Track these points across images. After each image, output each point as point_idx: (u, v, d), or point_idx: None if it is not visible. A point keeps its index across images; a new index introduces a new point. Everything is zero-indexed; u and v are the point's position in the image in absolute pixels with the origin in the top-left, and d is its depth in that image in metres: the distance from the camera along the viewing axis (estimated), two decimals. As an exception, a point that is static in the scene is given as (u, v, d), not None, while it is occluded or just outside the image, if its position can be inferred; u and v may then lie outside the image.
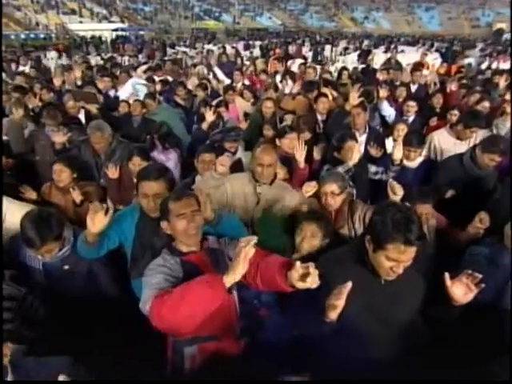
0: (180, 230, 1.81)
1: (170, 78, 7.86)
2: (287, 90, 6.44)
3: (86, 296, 2.39)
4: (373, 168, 3.38)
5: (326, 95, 4.97)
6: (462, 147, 3.76)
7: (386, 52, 15.67)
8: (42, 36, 32.71)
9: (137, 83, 6.09)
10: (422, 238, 1.61)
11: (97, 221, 1.99)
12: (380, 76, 6.96)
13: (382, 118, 5.00)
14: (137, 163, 3.29)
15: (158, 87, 6.15)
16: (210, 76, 8.17)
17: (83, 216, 2.19)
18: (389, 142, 4.40)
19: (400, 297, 1.78)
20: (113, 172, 3.40)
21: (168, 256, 1.86)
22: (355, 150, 3.04)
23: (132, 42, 26.45)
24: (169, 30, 37.77)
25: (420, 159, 3.54)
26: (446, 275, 1.70)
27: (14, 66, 9.27)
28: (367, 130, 4.05)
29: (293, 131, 3.60)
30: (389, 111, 4.94)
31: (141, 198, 2.22)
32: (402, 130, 4.17)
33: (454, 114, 4.73)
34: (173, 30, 37.71)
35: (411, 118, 4.96)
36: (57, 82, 5.87)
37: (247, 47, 21.26)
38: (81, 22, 38.06)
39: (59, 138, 3.64)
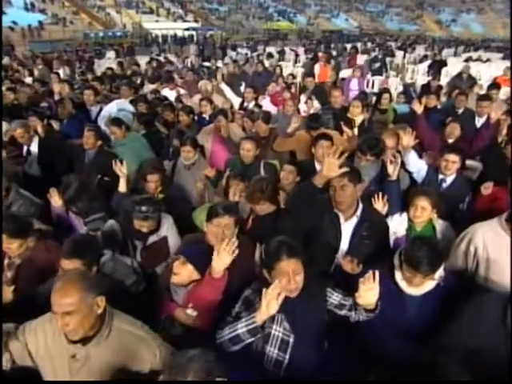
0: None
1: (182, 91, 6.86)
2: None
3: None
4: (336, 297, 1.95)
5: (328, 137, 3.58)
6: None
7: (467, 61, 13.29)
8: (118, 34, 34.03)
9: (123, 109, 5.03)
10: None
11: None
12: (416, 107, 4.29)
13: (409, 173, 3.47)
14: None
15: (144, 108, 5.05)
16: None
17: None
18: (403, 220, 2.92)
19: None
20: None
21: None
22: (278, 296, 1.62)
23: (199, 42, 26.17)
24: (240, 30, 37.33)
25: (432, 284, 2.05)
26: None
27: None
28: (358, 213, 2.47)
29: (226, 214, 2.24)
30: (418, 166, 3.38)
31: None
32: (421, 207, 2.71)
33: (521, 181, 3.06)
34: (244, 30, 37.20)
35: (450, 179, 3.30)
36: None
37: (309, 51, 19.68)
38: (157, 21, 39.09)
39: None
